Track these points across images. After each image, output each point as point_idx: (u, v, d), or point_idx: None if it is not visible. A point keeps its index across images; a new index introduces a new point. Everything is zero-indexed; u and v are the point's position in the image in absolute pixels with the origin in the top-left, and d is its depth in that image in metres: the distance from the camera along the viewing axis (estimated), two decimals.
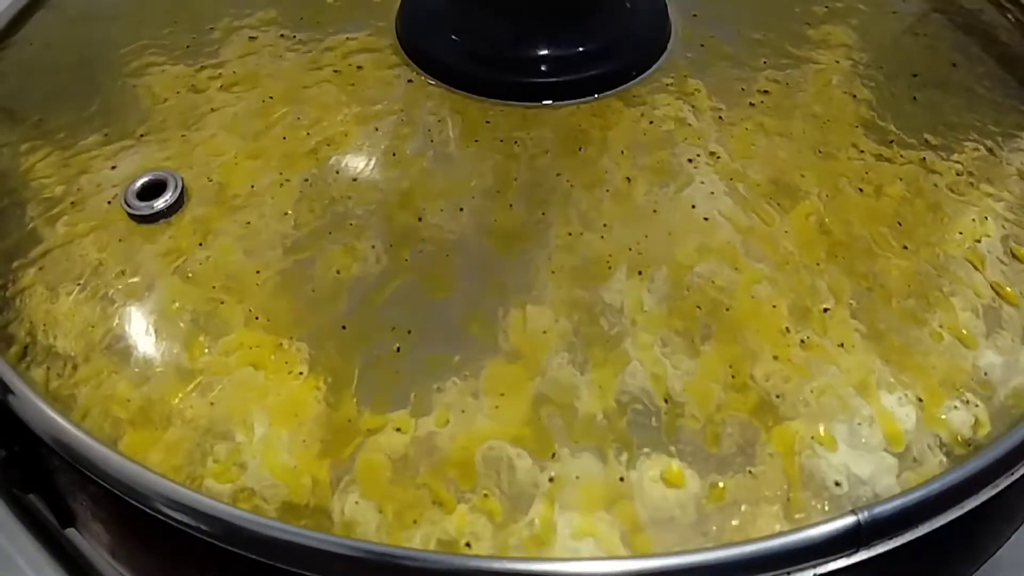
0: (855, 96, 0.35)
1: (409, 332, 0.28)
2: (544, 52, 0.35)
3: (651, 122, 0.34)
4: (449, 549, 0.24)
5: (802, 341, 0.28)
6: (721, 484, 0.25)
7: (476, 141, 0.33)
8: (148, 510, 0.25)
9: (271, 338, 0.28)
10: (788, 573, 0.23)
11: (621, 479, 0.25)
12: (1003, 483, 0.25)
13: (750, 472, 0.25)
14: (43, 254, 0.30)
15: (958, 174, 0.33)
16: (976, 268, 0.30)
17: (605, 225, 0.30)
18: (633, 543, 0.24)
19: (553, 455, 0.25)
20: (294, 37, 0.38)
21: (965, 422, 0.26)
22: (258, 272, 0.29)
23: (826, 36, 0.38)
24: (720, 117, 0.34)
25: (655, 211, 0.31)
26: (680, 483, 0.25)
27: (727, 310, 0.28)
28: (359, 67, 0.36)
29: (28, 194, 0.32)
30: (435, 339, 0.28)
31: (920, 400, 0.27)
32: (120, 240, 0.30)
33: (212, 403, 0.27)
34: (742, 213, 0.31)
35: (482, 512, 0.24)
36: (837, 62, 0.37)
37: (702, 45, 0.37)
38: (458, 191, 0.31)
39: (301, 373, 0.27)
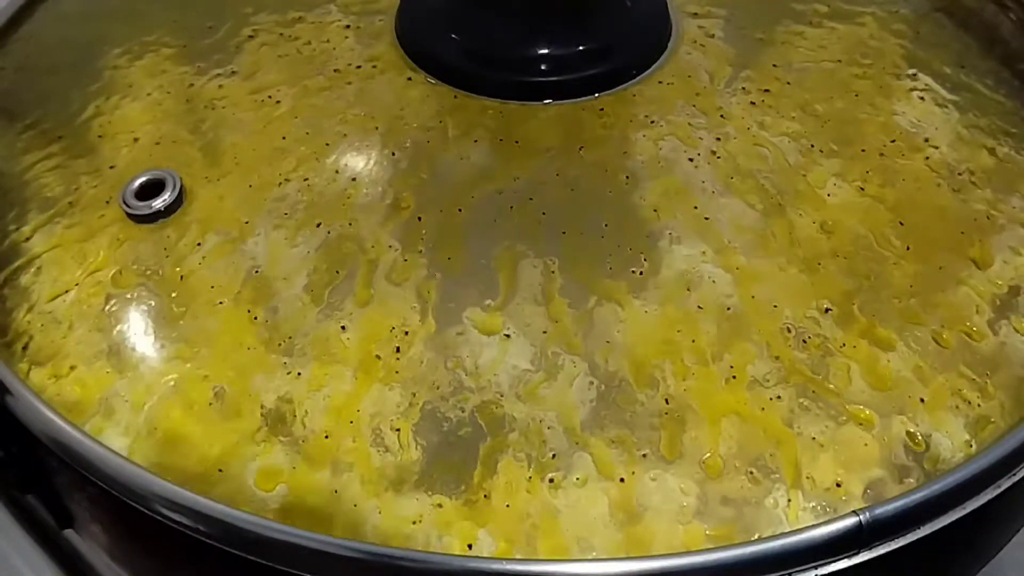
0: (857, 95, 0.35)
1: (407, 333, 0.28)
2: (544, 51, 0.35)
3: (652, 121, 0.34)
4: (449, 549, 0.24)
5: (804, 341, 0.27)
6: (722, 485, 0.25)
7: (476, 141, 0.33)
8: (146, 511, 0.24)
9: (270, 338, 0.28)
10: (790, 574, 0.23)
11: (622, 480, 0.25)
12: (1005, 483, 0.25)
13: (751, 473, 0.25)
14: (41, 254, 0.30)
15: (959, 173, 0.32)
16: (979, 267, 0.30)
17: (606, 225, 0.30)
18: (633, 541, 0.24)
19: (554, 456, 0.25)
20: (293, 36, 0.38)
21: (967, 422, 0.26)
22: (257, 272, 0.29)
23: (828, 35, 0.38)
24: (721, 116, 0.34)
25: (655, 211, 0.31)
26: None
27: (728, 310, 0.28)
28: (358, 66, 0.36)
29: (26, 194, 0.32)
30: (434, 340, 0.27)
31: (922, 400, 0.27)
32: (118, 240, 0.30)
33: (210, 403, 0.26)
34: (744, 213, 0.31)
35: (482, 514, 0.24)
36: (839, 61, 0.36)
37: (703, 44, 0.37)
38: (457, 191, 0.31)
39: (300, 373, 0.27)
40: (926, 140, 0.33)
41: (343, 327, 0.28)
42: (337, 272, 0.29)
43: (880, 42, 0.37)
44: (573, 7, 0.35)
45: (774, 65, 0.36)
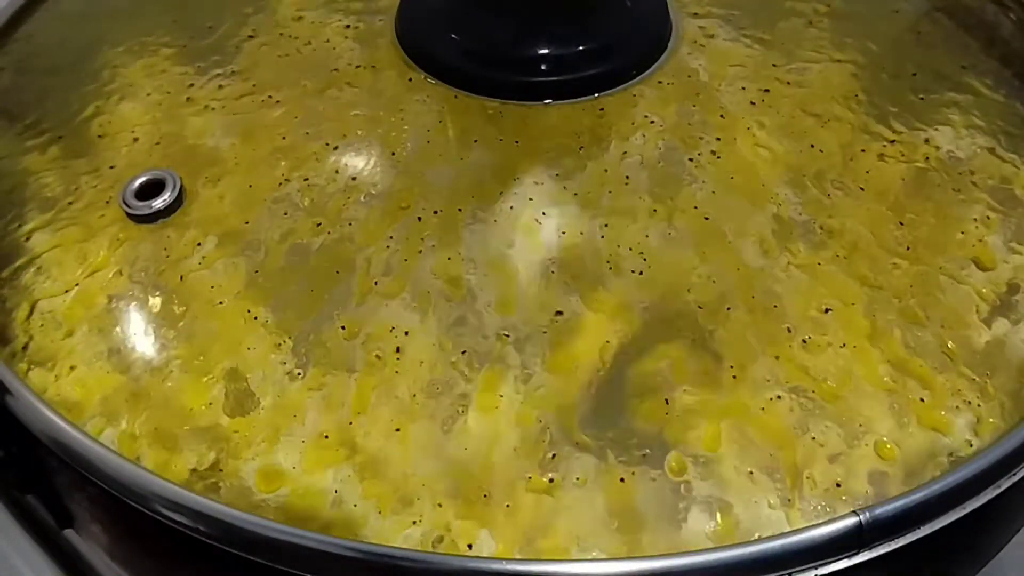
0: (857, 95, 0.35)
1: (407, 333, 0.28)
2: (544, 51, 0.35)
3: (652, 121, 0.34)
4: (449, 549, 0.24)
5: (804, 341, 0.27)
6: (722, 485, 0.25)
7: (475, 141, 0.33)
8: (146, 511, 0.24)
9: (270, 338, 0.28)
10: (790, 574, 0.23)
11: (622, 480, 0.25)
12: (1005, 483, 0.25)
13: (750, 473, 0.25)
14: (41, 254, 0.30)
15: (960, 173, 0.32)
16: (979, 268, 0.30)
17: (606, 225, 0.30)
18: (633, 541, 0.24)
19: (554, 456, 0.25)
20: (293, 36, 0.38)
21: (967, 422, 0.26)
22: (256, 272, 0.29)
23: (828, 35, 0.38)
24: (721, 116, 0.34)
25: (655, 211, 0.31)
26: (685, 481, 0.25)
27: (728, 310, 0.28)
28: (358, 66, 0.36)
29: (26, 193, 0.32)
30: (434, 340, 0.27)
31: (922, 400, 0.27)
32: (118, 240, 0.30)
33: (210, 403, 0.26)
34: (744, 212, 0.31)
35: (482, 514, 0.24)
36: (839, 61, 0.36)
37: (703, 44, 0.37)
38: (457, 191, 0.31)
39: (300, 374, 0.27)
40: (926, 140, 0.33)
41: (343, 327, 0.28)
42: (337, 272, 0.29)
43: (880, 42, 0.37)
44: (573, 7, 0.35)
45: (774, 65, 0.36)
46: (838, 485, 0.25)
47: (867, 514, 0.23)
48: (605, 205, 0.31)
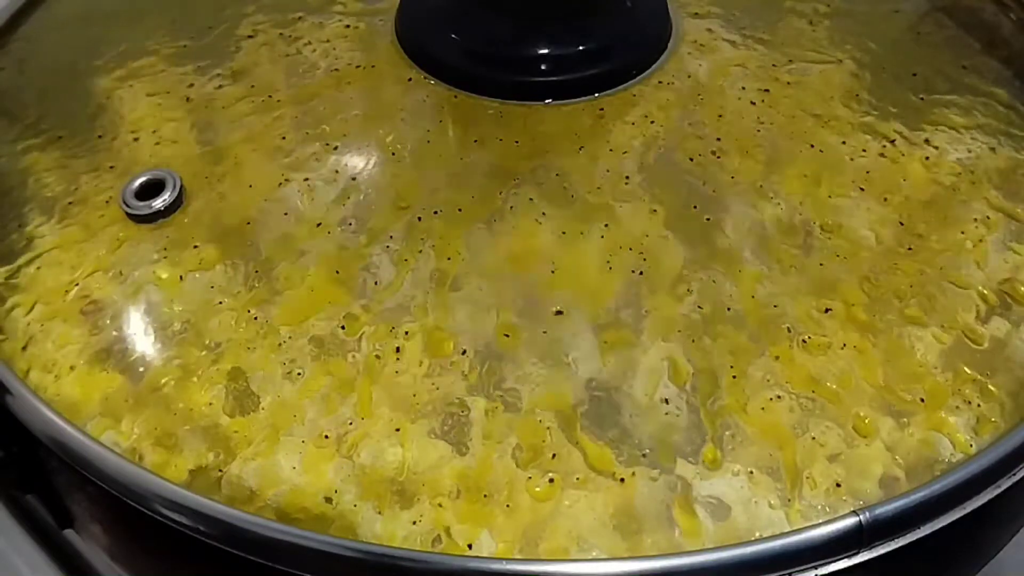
0: (857, 95, 0.35)
1: (407, 333, 0.28)
2: (544, 51, 0.35)
3: (652, 122, 0.34)
4: (449, 549, 0.24)
5: (804, 341, 0.27)
6: (723, 485, 0.25)
7: (475, 141, 0.33)
8: (146, 511, 0.24)
9: (270, 338, 0.28)
10: (790, 574, 0.23)
11: (622, 480, 0.25)
12: (1005, 483, 0.25)
13: (751, 473, 0.25)
14: (41, 254, 0.30)
15: (959, 174, 0.32)
16: (979, 268, 0.30)
17: (606, 225, 0.30)
18: (634, 541, 0.24)
19: (554, 456, 0.25)
20: (294, 36, 0.38)
21: (967, 422, 0.26)
22: (256, 272, 0.29)
23: (828, 35, 0.38)
24: (721, 116, 0.34)
25: (655, 211, 0.31)
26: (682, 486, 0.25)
27: (728, 310, 0.28)
28: (358, 66, 0.36)
29: (26, 193, 0.32)
30: (435, 340, 0.27)
31: (922, 400, 0.27)
32: (118, 240, 0.30)
33: (210, 403, 0.26)
34: (743, 213, 0.31)
35: (482, 514, 0.24)
36: (840, 61, 0.37)
37: (703, 44, 0.37)
38: (457, 192, 0.31)
39: (300, 374, 0.27)
40: (926, 140, 0.33)
41: (342, 327, 0.28)
42: (336, 272, 0.29)
43: (880, 42, 0.37)
44: (573, 7, 0.35)
45: (774, 65, 0.36)
46: (838, 485, 0.25)
47: (867, 514, 0.23)
48: (605, 205, 0.31)
